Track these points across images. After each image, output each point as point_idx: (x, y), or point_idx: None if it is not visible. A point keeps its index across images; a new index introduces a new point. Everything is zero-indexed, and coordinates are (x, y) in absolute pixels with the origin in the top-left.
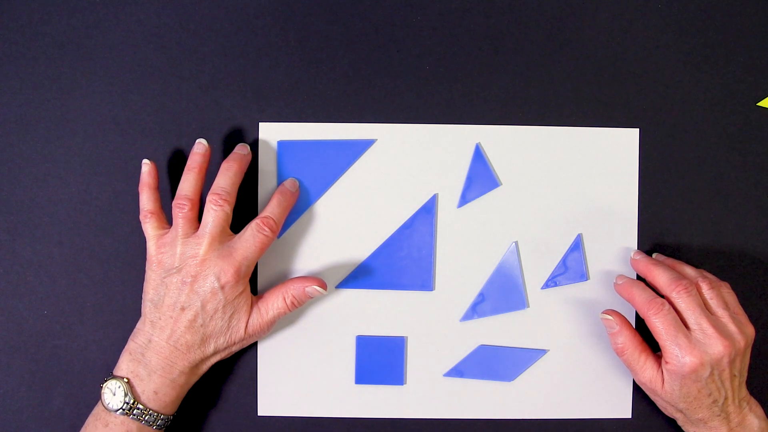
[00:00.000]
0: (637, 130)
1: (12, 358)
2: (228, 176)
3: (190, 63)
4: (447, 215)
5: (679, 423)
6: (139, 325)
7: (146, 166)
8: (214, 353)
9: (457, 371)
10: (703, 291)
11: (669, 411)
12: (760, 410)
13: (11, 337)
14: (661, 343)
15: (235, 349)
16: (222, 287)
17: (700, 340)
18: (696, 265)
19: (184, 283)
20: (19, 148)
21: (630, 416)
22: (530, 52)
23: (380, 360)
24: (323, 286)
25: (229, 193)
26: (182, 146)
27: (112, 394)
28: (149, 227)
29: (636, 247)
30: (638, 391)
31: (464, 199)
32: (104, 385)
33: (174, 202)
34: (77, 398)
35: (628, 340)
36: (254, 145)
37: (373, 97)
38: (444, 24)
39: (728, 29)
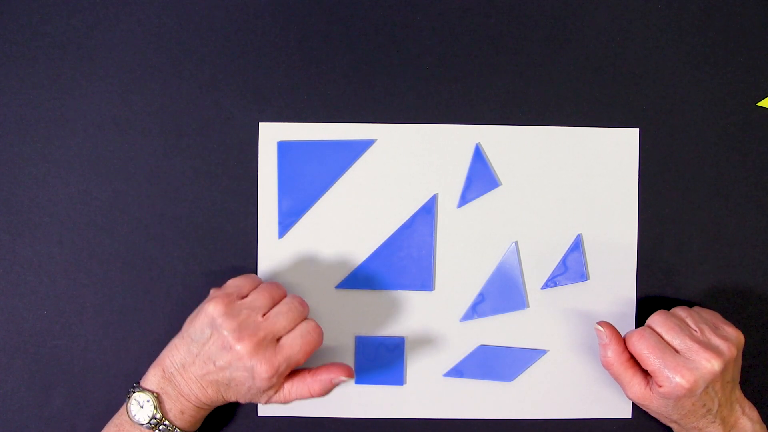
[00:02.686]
0: (637, 130)
1: (12, 358)
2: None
3: (190, 63)
4: (447, 215)
5: (675, 430)
6: (177, 341)
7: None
8: (234, 401)
9: (456, 371)
10: (678, 313)
11: (663, 420)
12: (754, 413)
13: (11, 337)
14: (649, 368)
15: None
16: (253, 377)
17: (690, 358)
18: (696, 264)
19: (225, 349)
20: (19, 148)
21: (630, 416)
22: (530, 52)
23: (380, 360)
24: (350, 374)
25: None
26: (182, 146)
27: (140, 406)
28: (235, 281)
29: (636, 248)
30: None
31: (464, 199)
32: (131, 396)
33: (271, 282)
34: (77, 398)
35: (616, 355)
36: (254, 145)
37: (373, 97)
38: (444, 24)
39: (728, 29)
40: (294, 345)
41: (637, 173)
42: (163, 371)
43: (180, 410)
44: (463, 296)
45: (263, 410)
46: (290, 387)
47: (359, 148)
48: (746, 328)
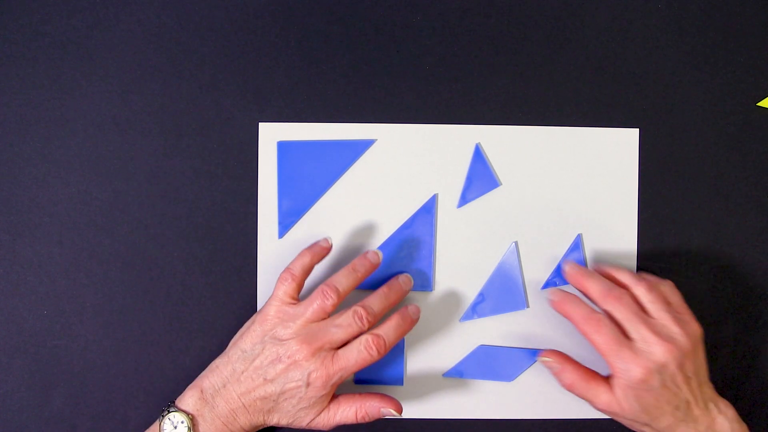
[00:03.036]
0: (637, 130)
1: (12, 358)
2: (381, 301)
3: (190, 63)
4: (447, 215)
5: None
6: (219, 362)
7: (326, 242)
8: (275, 423)
9: (456, 371)
10: (640, 296)
11: (636, 428)
12: (731, 411)
13: (11, 337)
14: (605, 359)
15: (294, 428)
16: (308, 384)
17: (642, 348)
18: (696, 265)
19: (279, 359)
20: (19, 148)
21: None
22: (530, 52)
23: (380, 360)
24: (399, 410)
25: (375, 315)
26: (182, 146)
27: (173, 426)
28: (282, 289)
29: (636, 248)
30: None
31: (464, 199)
32: (166, 415)
33: (322, 287)
34: (77, 398)
35: (573, 375)
36: (254, 145)
37: (373, 97)
38: (444, 24)
39: (728, 29)
40: (350, 359)
41: (637, 173)
42: (202, 392)
43: None
44: (463, 296)
45: None
46: (336, 408)
47: (359, 148)
48: (746, 328)
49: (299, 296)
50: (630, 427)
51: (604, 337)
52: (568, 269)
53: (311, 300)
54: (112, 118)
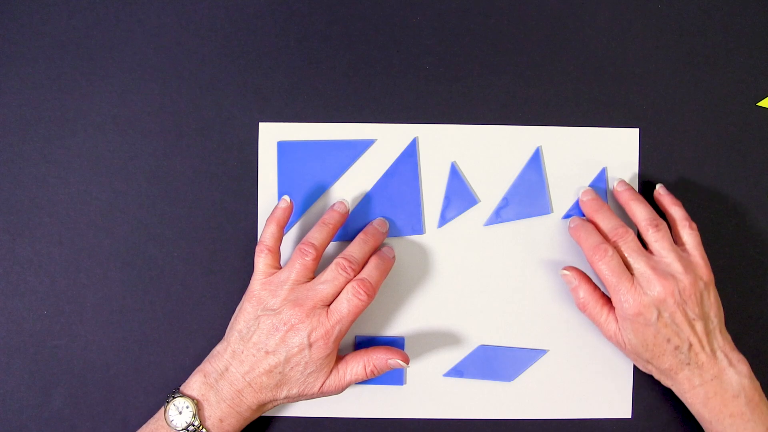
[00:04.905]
0: (637, 130)
1: (12, 358)
2: (361, 248)
3: (190, 63)
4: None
5: (656, 377)
6: (219, 348)
7: (284, 203)
8: (285, 398)
9: (456, 371)
10: (648, 235)
11: (641, 365)
12: (743, 366)
13: (11, 337)
14: (608, 288)
15: (306, 399)
16: (310, 345)
17: (641, 282)
18: None
19: (276, 328)
20: (19, 148)
21: (630, 416)
22: (530, 52)
23: None
24: (406, 360)
25: (358, 262)
26: (182, 146)
27: (178, 412)
28: (262, 262)
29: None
30: (638, 391)
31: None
32: (171, 401)
33: (299, 246)
34: (77, 398)
35: (587, 294)
36: (254, 145)
37: (373, 97)
38: (444, 24)
39: (728, 29)
40: (342, 309)
41: (637, 173)
42: (205, 377)
43: (219, 418)
44: (463, 295)
45: None
46: (345, 367)
47: (359, 148)
48: (746, 328)
49: (280, 264)
50: (637, 365)
51: (607, 267)
52: (585, 198)
53: (291, 262)
54: (112, 118)
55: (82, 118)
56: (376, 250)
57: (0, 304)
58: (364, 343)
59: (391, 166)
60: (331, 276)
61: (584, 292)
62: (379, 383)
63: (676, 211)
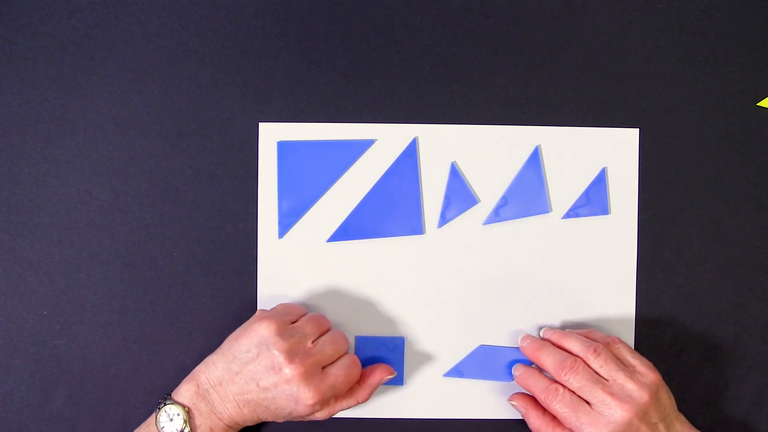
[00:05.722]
0: (637, 130)
1: (12, 358)
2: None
3: (190, 63)
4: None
5: None
6: (214, 358)
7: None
8: (273, 420)
9: (456, 371)
10: (591, 362)
11: None
12: None
13: (11, 337)
14: (568, 426)
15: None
16: (297, 402)
17: (603, 412)
18: (696, 264)
19: (273, 369)
20: (19, 148)
21: None
22: (530, 52)
23: (380, 360)
24: (393, 373)
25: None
26: (182, 146)
27: (169, 419)
28: (288, 308)
29: (636, 248)
30: None
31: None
32: (162, 408)
33: (318, 316)
34: (77, 398)
35: (538, 420)
36: (254, 145)
37: (373, 97)
38: (444, 24)
39: (728, 29)
40: (339, 375)
41: (637, 173)
42: (198, 387)
43: (209, 427)
44: (463, 295)
45: None
46: (335, 402)
47: (359, 148)
48: (746, 328)
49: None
50: None
51: (562, 405)
52: (524, 343)
53: (307, 319)
54: (112, 118)
55: (82, 118)
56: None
57: (0, 304)
58: (364, 343)
59: (391, 166)
60: (332, 339)
61: (535, 418)
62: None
63: (591, 335)
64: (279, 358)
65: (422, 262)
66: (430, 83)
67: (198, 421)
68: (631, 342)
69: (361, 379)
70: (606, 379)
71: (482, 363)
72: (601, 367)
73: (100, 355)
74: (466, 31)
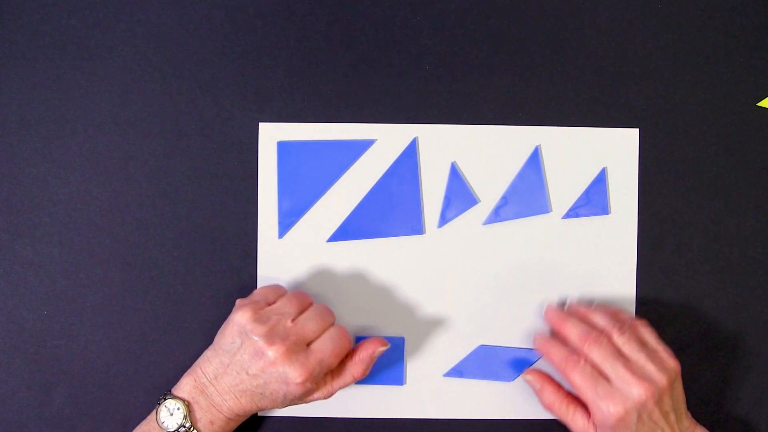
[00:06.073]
0: (637, 130)
1: (12, 358)
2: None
3: (190, 63)
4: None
5: None
6: (209, 354)
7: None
8: (273, 408)
9: (456, 371)
10: (614, 338)
11: None
12: None
13: (11, 337)
14: (583, 398)
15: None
16: (287, 383)
17: (620, 387)
18: (696, 264)
19: (257, 355)
20: (19, 148)
21: None
22: (530, 52)
23: (380, 360)
24: (386, 344)
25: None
26: (182, 146)
27: (170, 413)
28: (264, 291)
29: (636, 248)
30: None
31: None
32: (162, 402)
33: (298, 293)
34: (77, 398)
35: (553, 396)
36: (254, 145)
37: (373, 97)
38: (444, 24)
39: (728, 29)
40: (325, 349)
41: (637, 173)
42: (195, 381)
43: (210, 420)
44: (464, 296)
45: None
46: (331, 380)
47: (359, 148)
48: (746, 328)
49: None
50: None
51: (581, 377)
52: (548, 313)
53: (285, 298)
54: (112, 118)
55: (82, 118)
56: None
57: (0, 304)
58: None
59: (391, 166)
60: (317, 313)
61: (548, 393)
62: (379, 383)
63: (618, 315)
64: (259, 342)
65: (422, 262)
66: (430, 83)
67: (198, 414)
68: None
69: (354, 354)
70: (628, 357)
71: (482, 363)
72: (624, 344)
73: (100, 355)
74: (466, 31)
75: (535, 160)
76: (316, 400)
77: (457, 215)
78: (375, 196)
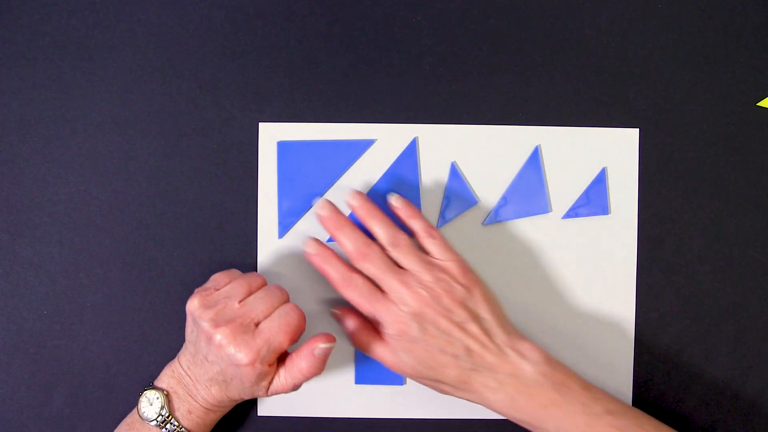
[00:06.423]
0: (637, 130)
1: (12, 358)
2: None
3: (190, 63)
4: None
5: (459, 397)
6: (185, 345)
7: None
8: (241, 400)
9: None
10: (390, 251)
11: (437, 389)
12: (535, 353)
13: (11, 337)
14: (367, 316)
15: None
16: (237, 365)
17: (395, 300)
18: (696, 264)
19: (209, 341)
20: (19, 148)
21: None
22: (530, 52)
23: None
24: (330, 340)
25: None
26: (182, 146)
27: (149, 403)
28: (213, 278)
29: (636, 248)
30: (638, 391)
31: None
32: (143, 394)
33: (248, 276)
34: (77, 398)
35: (355, 324)
36: (254, 145)
37: (373, 97)
38: (444, 24)
39: (728, 29)
40: (273, 327)
41: (637, 173)
42: (173, 371)
43: (188, 410)
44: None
45: (263, 410)
46: (285, 373)
47: (359, 148)
48: (746, 328)
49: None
50: (434, 390)
51: (358, 294)
52: (323, 213)
53: (234, 281)
54: (112, 118)
55: (82, 118)
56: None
57: (0, 304)
58: None
59: (391, 166)
60: (265, 294)
61: (352, 322)
62: (379, 383)
63: (415, 223)
64: (207, 327)
65: None
66: (430, 83)
67: (176, 404)
68: (631, 342)
69: (298, 351)
70: (405, 269)
71: None
72: (400, 256)
73: (100, 355)
74: (466, 31)
75: (535, 160)
76: (281, 392)
77: (457, 215)
78: (375, 196)
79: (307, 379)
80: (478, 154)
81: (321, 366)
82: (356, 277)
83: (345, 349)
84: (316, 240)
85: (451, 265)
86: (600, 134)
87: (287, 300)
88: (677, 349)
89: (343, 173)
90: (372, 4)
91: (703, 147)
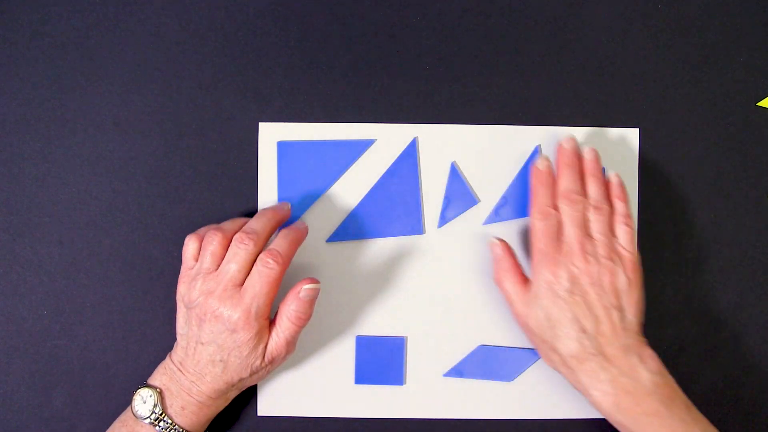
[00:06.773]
0: (637, 130)
1: (12, 358)
2: (260, 221)
3: (190, 63)
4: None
5: (561, 371)
6: (177, 341)
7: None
8: (240, 382)
9: (456, 371)
10: (590, 212)
11: (545, 353)
12: (654, 362)
13: (11, 337)
14: (533, 249)
15: (263, 374)
16: (233, 331)
17: (565, 252)
18: (696, 264)
19: (201, 320)
20: (19, 148)
21: None
22: (530, 52)
23: (380, 360)
24: (314, 281)
25: (258, 234)
26: (182, 146)
27: (143, 401)
28: (185, 255)
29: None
30: None
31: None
32: (136, 392)
33: (237, 236)
34: (77, 398)
35: (508, 268)
36: (254, 145)
37: (373, 97)
38: (444, 24)
39: (728, 29)
40: (255, 283)
41: (637, 173)
42: (165, 368)
43: (181, 406)
44: (463, 294)
45: (263, 410)
46: (276, 331)
47: (359, 148)
48: (746, 328)
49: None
50: (541, 354)
51: (542, 226)
52: (567, 145)
53: (202, 254)
54: (112, 118)
55: (82, 118)
56: (282, 224)
57: (0, 304)
58: (364, 343)
59: (391, 166)
60: (233, 253)
61: (507, 264)
62: (379, 383)
63: (619, 204)
64: (198, 302)
65: (422, 262)
66: (430, 83)
67: (169, 401)
68: None
69: (284, 300)
70: (590, 234)
71: (482, 363)
72: (594, 222)
73: (100, 355)
74: (466, 31)
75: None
76: (278, 356)
77: (457, 215)
78: (375, 196)
79: (298, 328)
80: (478, 154)
81: (308, 310)
82: (554, 214)
83: (345, 348)
84: (549, 162)
85: (628, 257)
86: (600, 134)
87: (261, 247)
88: (677, 349)
89: (343, 173)
90: (372, 4)
91: (703, 147)
